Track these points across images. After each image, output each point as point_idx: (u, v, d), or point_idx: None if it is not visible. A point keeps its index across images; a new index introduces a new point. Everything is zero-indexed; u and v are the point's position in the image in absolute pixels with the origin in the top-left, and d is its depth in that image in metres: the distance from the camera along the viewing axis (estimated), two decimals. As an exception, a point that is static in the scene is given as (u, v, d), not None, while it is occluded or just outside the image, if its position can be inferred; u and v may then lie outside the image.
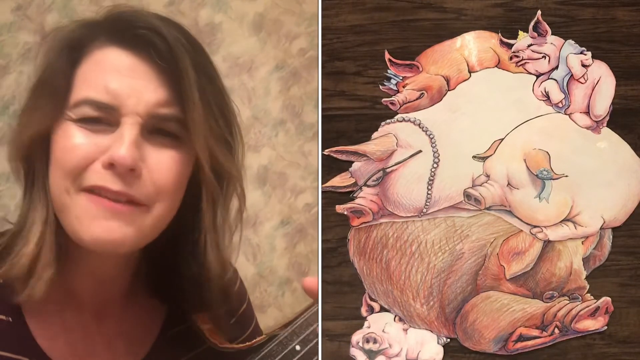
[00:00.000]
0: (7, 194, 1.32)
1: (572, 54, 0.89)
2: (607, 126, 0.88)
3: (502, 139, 0.87)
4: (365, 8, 0.90)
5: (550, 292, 0.85)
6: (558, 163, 0.87)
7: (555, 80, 0.88)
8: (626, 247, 0.87)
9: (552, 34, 0.89)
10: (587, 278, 0.86)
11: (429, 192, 0.87)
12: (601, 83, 0.88)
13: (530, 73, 0.89)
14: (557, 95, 0.88)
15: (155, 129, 0.73)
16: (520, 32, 0.89)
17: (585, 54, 0.89)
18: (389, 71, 0.89)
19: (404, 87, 0.89)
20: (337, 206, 0.87)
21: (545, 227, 0.86)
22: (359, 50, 0.90)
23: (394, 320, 0.86)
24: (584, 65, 0.89)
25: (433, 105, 0.89)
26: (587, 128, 0.88)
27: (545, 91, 0.88)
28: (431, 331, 0.86)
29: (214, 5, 1.50)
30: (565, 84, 0.88)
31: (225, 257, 0.80)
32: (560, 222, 0.86)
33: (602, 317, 0.85)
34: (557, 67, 0.89)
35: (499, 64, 0.89)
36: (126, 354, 0.80)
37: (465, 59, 0.89)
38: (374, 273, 0.87)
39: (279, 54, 1.53)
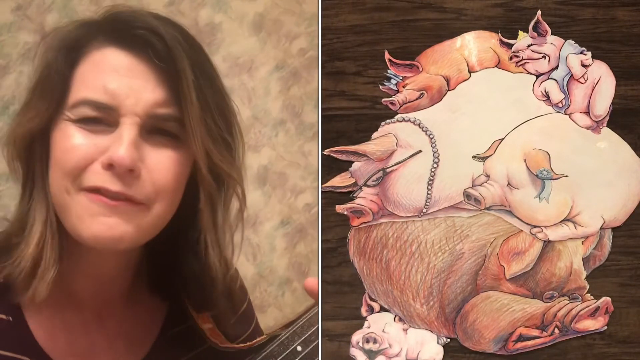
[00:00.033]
0: (7, 194, 1.31)
1: (572, 54, 0.89)
2: (607, 126, 0.88)
3: (502, 139, 0.87)
4: (365, 8, 0.90)
5: (550, 292, 0.85)
6: (558, 163, 0.87)
7: (555, 80, 0.88)
8: (626, 247, 0.87)
9: (552, 34, 0.89)
10: (587, 278, 0.86)
11: (429, 192, 0.87)
12: (601, 83, 0.88)
13: (530, 73, 0.89)
14: (557, 95, 0.88)
15: (154, 129, 0.73)
16: (520, 32, 0.89)
17: (585, 54, 0.89)
18: (389, 71, 0.89)
19: (404, 87, 0.89)
20: (337, 206, 0.87)
21: (545, 227, 0.86)
22: (359, 50, 0.90)
23: (394, 320, 0.86)
24: (584, 65, 0.89)
25: (433, 105, 0.89)
26: (587, 128, 0.88)
27: (545, 91, 0.88)
28: (431, 331, 0.86)
29: (214, 5, 1.50)
30: (565, 84, 0.88)
31: (228, 256, 0.80)
32: (560, 222, 0.86)
33: (602, 317, 0.85)
34: (557, 67, 0.89)
35: (499, 64, 0.89)
36: (126, 353, 0.80)
37: (465, 59, 0.89)
38: (374, 273, 0.87)
39: (279, 54, 1.53)
